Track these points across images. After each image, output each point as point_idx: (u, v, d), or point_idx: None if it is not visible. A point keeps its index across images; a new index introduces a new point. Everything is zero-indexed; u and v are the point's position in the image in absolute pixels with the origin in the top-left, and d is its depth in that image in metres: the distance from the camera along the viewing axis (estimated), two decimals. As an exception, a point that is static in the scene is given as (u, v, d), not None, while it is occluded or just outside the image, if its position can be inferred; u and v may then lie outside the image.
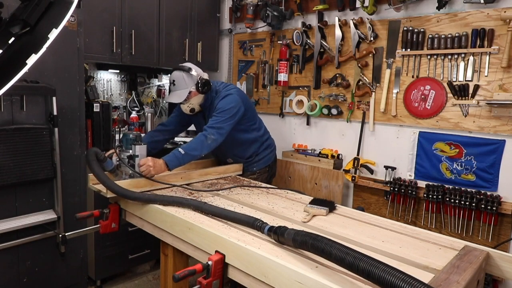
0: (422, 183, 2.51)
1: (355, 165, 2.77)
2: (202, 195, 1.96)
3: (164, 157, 2.05)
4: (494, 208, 2.19)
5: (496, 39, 2.20)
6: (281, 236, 1.34)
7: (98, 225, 1.99)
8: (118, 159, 2.01)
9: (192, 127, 3.38)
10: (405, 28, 2.51)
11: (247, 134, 2.45)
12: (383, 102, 2.64)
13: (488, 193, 2.26)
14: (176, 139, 3.23)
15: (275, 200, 1.94)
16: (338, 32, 2.81)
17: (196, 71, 2.28)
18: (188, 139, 3.24)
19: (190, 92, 2.25)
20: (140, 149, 2.01)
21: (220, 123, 2.19)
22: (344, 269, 1.15)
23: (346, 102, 2.85)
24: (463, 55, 2.31)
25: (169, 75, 3.52)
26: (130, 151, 2.03)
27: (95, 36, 2.68)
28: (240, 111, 2.29)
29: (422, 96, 2.49)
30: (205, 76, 2.32)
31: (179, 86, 2.25)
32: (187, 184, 2.14)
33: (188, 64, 2.31)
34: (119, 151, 2.04)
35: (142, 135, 2.27)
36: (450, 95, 2.39)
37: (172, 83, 2.28)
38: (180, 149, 2.08)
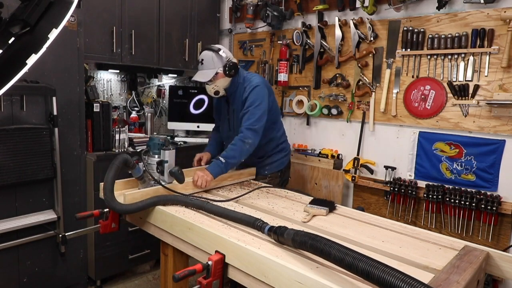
0: (422, 183, 2.51)
1: (355, 165, 2.77)
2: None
3: (207, 167, 2.04)
4: (494, 208, 2.19)
5: (496, 39, 2.20)
6: (281, 236, 1.34)
7: (98, 225, 1.98)
8: (144, 165, 1.89)
9: (190, 127, 3.37)
10: (405, 28, 2.51)
11: (265, 131, 2.29)
12: (383, 102, 2.64)
13: (488, 193, 2.26)
14: (176, 139, 3.24)
15: (275, 200, 1.94)
16: (338, 32, 2.81)
17: (225, 52, 2.24)
18: (188, 139, 3.25)
19: (217, 73, 2.21)
20: (169, 154, 1.90)
21: (255, 123, 2.15)
22: (345, 270, 1.15)
23: (346, 102, 2.85)
24: (463, 55, 2.31)
25: (169, 75, 3.56)
26: (157, 156, 1.92)
27: (95, 36, 2.67)
28: (268, 105, 2.25)
29: (422, 96, 2.49)
30: (234, 59, 2.29)
31: (207, 66, 2.21)
32: (206, 191, 2.05)
33: (219, 46, 2.29)
34: (145, 156, 1.95)
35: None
36: (450, 95, 2.39)
37: (201, 62, 2.24)
38: (221, 158, 2.06)
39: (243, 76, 2.31)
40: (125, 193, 1.73)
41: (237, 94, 2.29)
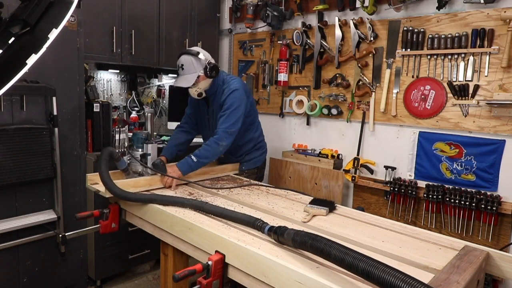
0: (422, 183, 2.51)
1: (355, 165, 2.77)
2: (202, 195, 1.96)
3: (177, 164, 2.11)
4: (494, 208, 2.19)
5: (496, 39, 2.20)
6: (281, 236, 1.34)
7: (98, 225, 1.99)
8: (129, 158, 2.05)
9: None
10: (405, 28, 2.51)
11: (244, 132, 2.43)
12: (383, 102, 2.64)
13: (488, 193, 2.26)
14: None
15: (275, 200, 1.94)
16: (338, 32, 2.81)
17: (204, 55, 2.26)
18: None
19: (198, 76, 2.24)
20: (152, 148, 2.06)
21: (231, 126, 2.22)
22: (345, 270, 1.15)
23: (346, 102, 2.85)
24: (463, 55, 2.31)
25: (169, 75, 3.55)
26: (140, 149, 2.07)
27: (95, 36, 2.67)
28: (246, 109, 2.32)
29: (422, 96, 2.49)
30: (213, 60, 2.32)
31: (188, 70, 2.23)
32: (186, 184, 2.14)
33: (196, 48, 2.31)
34: (129, 150, 2.10)
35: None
36: (450, 95, 2.39)
37: (181, 67, 2.25)
38: (192, 156, 2.13)
39: (223, 78, 2.35)
40: None
41: (217, 96, 2.33)
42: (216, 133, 2.21)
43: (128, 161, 2.06)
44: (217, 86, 2.33)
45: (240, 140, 2.43)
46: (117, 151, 2.01)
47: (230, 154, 2.49)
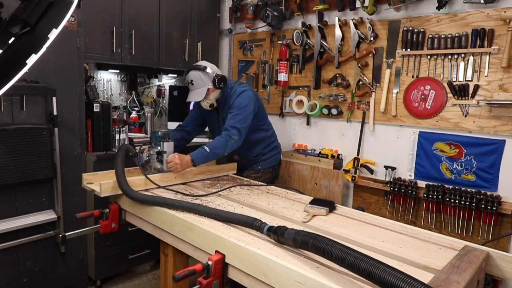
0: (422, 183, 2.51)
1: (355, 165, 2.77)
2: (201, 197, 1.95)
3: (190, 154, 2.15)
4: (494, 208, 2.19)
5: (496, 39, 2.20)
6: (281, 236, 1.34)
7: (98, 225, 1.99)
8: (148, 155, 2.17)
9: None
10: (405, 28, 2.51)
11: (256, 133, 2.53)
12: (383, 102, 2.64)
13: (488, 193, 2.26)
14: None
15: (275, 200, 1.94)
16: (338, 32, 2.81)
17: (211, 68, 2.36)
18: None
19: (208, 89, 2.34)
20: (167, 146, 2.14)
21: (240, 122, 2.29)
22: (344, 269, 1.15)
23: (346, 102, 2.85)
24: (463, 55, 2.31)
25: (169, 75, 3.55)
26: (159, 147, 2.15)
27: (95, 36, 2.68)
28: (255, 109, 2.40)
29: (422, 96, 2.49)
30: (220, 71, 2.42)
31: (198, 85, 2.34)
32: (184, 184, 2.15)
33: (203, 63, 2.41)
34: (148, 147, 2.19)
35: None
36: (450, 95, 2.38)
37: (190, 83, 2.35)
38: (205, 147, 2.19)
39: (231, 85, 2.46)
40: (101, 183, 1.85)
41: (227, 103, 2.43)
42: (226, 129, 2.28)
43: (147, 158, 2.17)
44: (226, 95, 2.43)
45: (252, 137, 2.49)
46: (136, 148, 2.14)
47: (246, 155, 2.56)
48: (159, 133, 2.18)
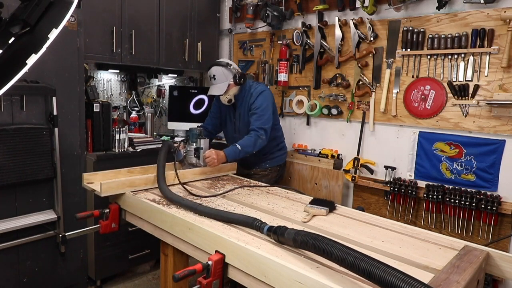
0: (422, 183, 2.51)
1: (355, 165, 2.77)
2: (202, 198, 1.96)
3: (224, 150, 2.33)
4: (494, 208, 2.19)
5: (496, 39, 2.20)
6: (281, 236, 1.34)
7: (98, 225, 1.98)
8: (185, 151, 2.35)
9: (190, 127, 3.38)
10: (405, 28, 2.51)
11: (270, 132, 2.58)
12: (383, 102, 2.64)
13: (488, 193, 2.26)
14: (176, 139, 3.23)
15: (275, 200, 1.94)
16: (338, 32, 2.81)
17: (232, 65, 2.52)
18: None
19: (228, 85, 2.47)
20: (204, 142, 2.34)
21: (265, 123, 2.45)
22: (344, 269, 1.15)
23: (346, 102, 2.85)
24: (463, 55, 2.31)
25: (169, 75, 3.55)
26: (195, 144, 2.33)
27: (95, 36, 2.67)
28: (274, 108, 2.58)
29: (422, 96, 2.49)
30: (240, 70, 2.56)
31: (219, 80, 2.47)
32: (185, 184, 2.15)
33: (225, 60, 2.58)
34: (185, 144, 2.37)
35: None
36: (450, 95, 2.38)
37: (213, 77, 2.48)
38: (237, 145, 2.36)
39: (249, 84, 2.59)
40: (102, 182, 1.86)
41: (244, 100, 2.55)
42: (253, 129, 2.42)
43: (185, 154, 2.35)
44: (244, 92, 2.55)
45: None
46: (175, 144, 2.32)
47: (257, 152, 2.60)
48: (196, 131, 2.34)
